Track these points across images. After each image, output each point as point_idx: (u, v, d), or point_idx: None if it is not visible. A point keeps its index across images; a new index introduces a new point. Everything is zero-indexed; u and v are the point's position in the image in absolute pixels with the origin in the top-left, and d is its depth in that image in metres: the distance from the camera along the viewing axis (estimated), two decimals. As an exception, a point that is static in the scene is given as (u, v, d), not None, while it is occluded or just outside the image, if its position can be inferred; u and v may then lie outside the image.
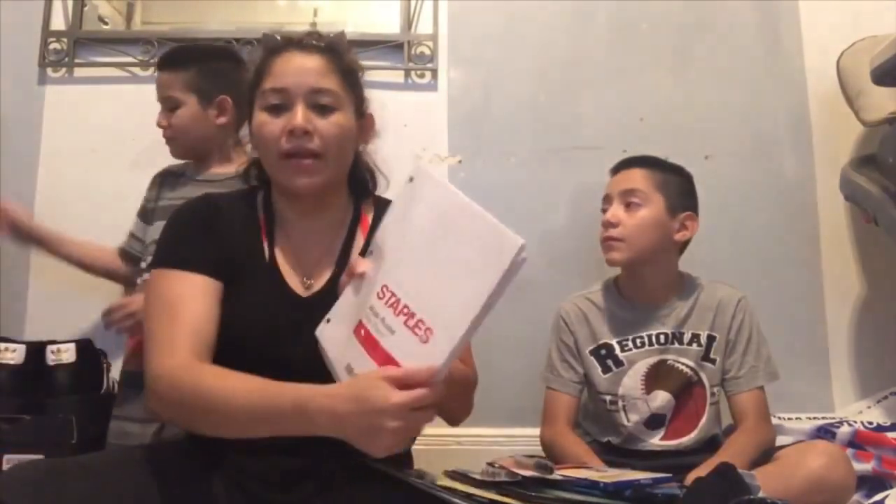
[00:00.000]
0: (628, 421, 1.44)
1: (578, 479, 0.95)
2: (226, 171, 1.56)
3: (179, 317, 0.99)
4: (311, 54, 1.09)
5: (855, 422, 1.55)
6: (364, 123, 1.17)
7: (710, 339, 1.44)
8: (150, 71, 1.85)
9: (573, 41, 1.92)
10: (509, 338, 1.71)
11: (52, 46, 1.87)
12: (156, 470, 0.99)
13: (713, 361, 1.44)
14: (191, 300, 1.00)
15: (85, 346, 1.48)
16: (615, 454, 1.43)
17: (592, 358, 1.47)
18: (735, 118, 1.89)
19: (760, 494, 0.99)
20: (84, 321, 1.74)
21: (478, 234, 0.85)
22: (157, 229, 1.56)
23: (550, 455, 1.41)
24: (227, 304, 1.04)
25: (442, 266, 0.83)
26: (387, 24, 1.91)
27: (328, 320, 0.97)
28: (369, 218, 1.16)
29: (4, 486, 0.85)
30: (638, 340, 1.45)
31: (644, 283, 1.47)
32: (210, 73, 1.58)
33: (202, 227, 1.08)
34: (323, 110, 1.07)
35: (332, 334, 0.95)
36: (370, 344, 0.86)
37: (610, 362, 1.46)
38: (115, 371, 1.57)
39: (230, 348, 1.03)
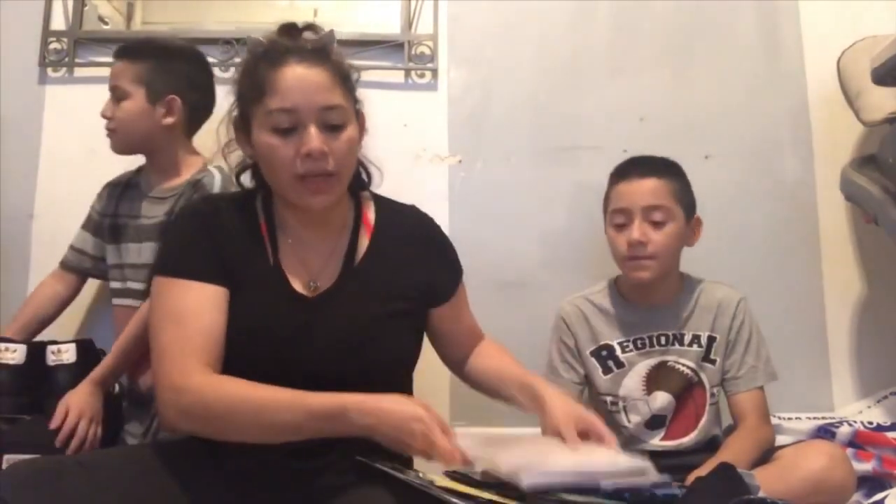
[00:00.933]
0: (629, 422, 1.44)
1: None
2: (179, 183, 1.52)
3: (191, 329, 0.99)
4: (314, 66, 1.04)
5: (855, 422, 1.55)
6: (363, 125, 1.16)
7: (711, 339, 1.44)
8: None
9: (573, 41, 1.92)
10: (509, 337, 1.69)
11: (52, 46, 1.87)
12: (156, 469, 0.99)
13: (713, 362, 1.44)
14: (201, 311, 1.01)
15: (86, 347, 1.48)
16: (614, 454, 1.43)
17: (593, 359, 1.47)
18: (735, 118, 1.89)
19: (760, 494, 0.99)
20: (85, 320, 1.74)
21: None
22: (130, 251, 1.54)
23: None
24: (233, 309, 1.04)
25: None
26: (387, 24, 1.90)
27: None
28: (371, 217, 1.17)
29: (4, 484, 0.85)
30: (639, 342, 1.45)
31: (648, 287, 1.46)
32: (165, 70, 1.53)
33: (205, 233, 1.07)
34: (334, 129, 1.04)
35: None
36: None
37: (611, 363, 1.46)
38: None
39: (240, 353, 1.03)
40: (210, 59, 1.86)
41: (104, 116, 1.53)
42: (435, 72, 1.89)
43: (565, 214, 1.85)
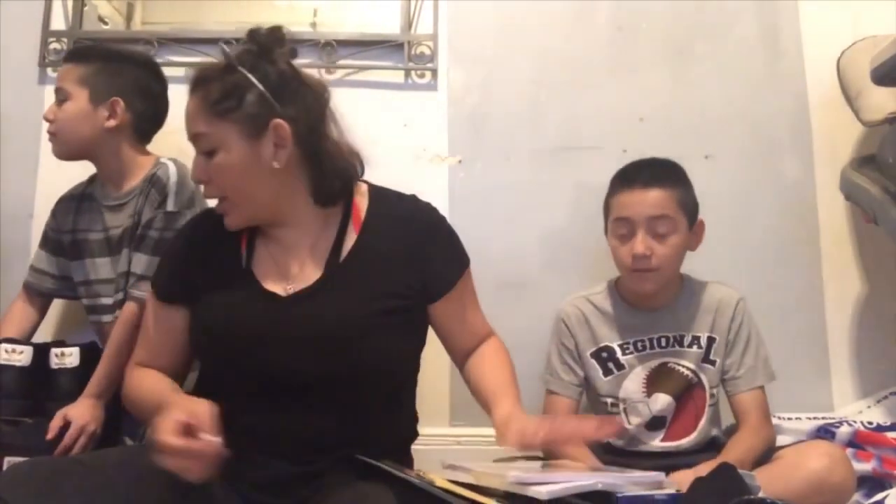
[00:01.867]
0: (629, 423, 1.44)
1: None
2: (133, 184, 1.49)
3: (143, 338, 1.18)
4: (191, 96, 1.07)
5: (855, 422, 1.55)
6: (278, 137, 1.06)
7: (710, 340, 1.44)
8: (150, 71, 1.85)
9: (573, 41, 1.92)
10: (508, 338, 1.69)
11: (52, 46, 1.87)
12: (155, 470, 0.99)
13: (713, 363, 1.44)
14: (151, 326, 1.16)
15: (89, 350, 1.47)
16: (614, 454, 1.43)
17: (593, 360, 1.47)
18: (735, 118, 1.89)
19: (760, 495, 0.99)
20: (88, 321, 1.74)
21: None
22: (98, 266, 1.52)
23: (547, 454, 1.42)
24: (204, 312, 1.09)
25: None
26: (387, 24, 1.90)
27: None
28: (362, 210, 1.14)
29: (5, 484, 0.85)
30: (639, 344, 1.45)
31: (649, 293, 1.45)
32: (111, 72, 1.49)
33: (179, 252, 1.17)
34: (208, 155, 1.05)
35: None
36: None
37: (611, 365, 1.46)
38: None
39: (218, 353, 1.08)
40: (210, 60, 1.86)
41: (46, 119, 1.49)
42: (435, 72, 1.89)
43: (565, 214, 1.85)
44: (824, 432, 1.52)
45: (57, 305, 1.71)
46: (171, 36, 1.87)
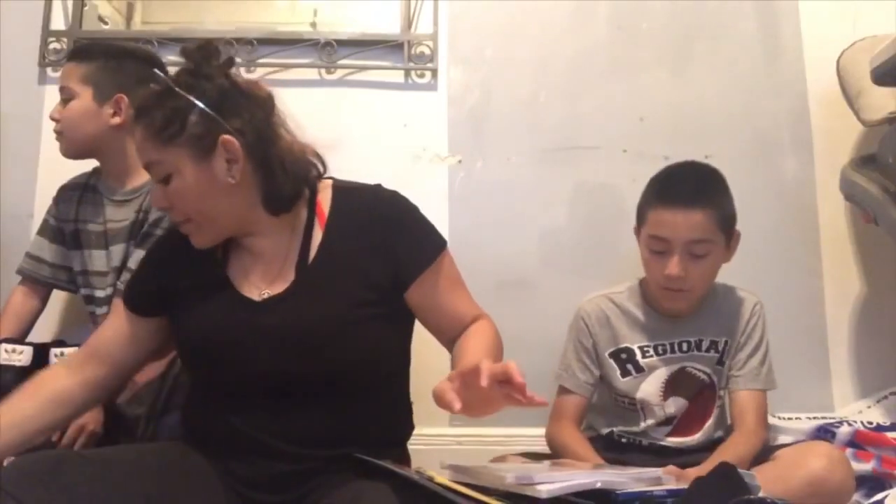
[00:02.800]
0: (644, 422, 1.44)
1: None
2: (141, 182, 1.49)
3: (94, 337, 1.19)
4: (137, 128, 1.05)
5: (855, 422, 1.55)
6: (228, 152, 1.04)
7: (726, 344, 1.44)
8: (150, 71, 1.85)
9: (573, 41, 1.92)
10: (508, 338, 1.69)
11: (52, 46, 1.87)
12: (157, 466, 1.00)
13: (724, 364, 1.44)
14: (109, 328, 1.17)
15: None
16: (616, 450, 1.43)
17: (612, 360, 1.46)
18: (735, 118, 1.89)
19: (760, 494, 0.99)
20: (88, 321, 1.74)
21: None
22: (94, 258, 1.52)
23: (553, 450, 1.42)
24: (183, 319, 1.10)
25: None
26: (387, 24, 1.90)
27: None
28: (326, 208, 1.12)
29: (8, 476, 0.86)
30: (660, 348, 1.44)
31: (683, 310, 1.44)
32: (114, 69, 1.48)
33: (154, 261, 1.19)
34: (164, 182, 1.05)
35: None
36: None
37: (630, 367, 1.45)
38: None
39: (197, 358, 1.11)
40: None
41: (52, 119, 1.49)
42: (435, 72, 1.89)
43: (565, 214, 1.85)
44: (824, 432, 1.52)
45: (57, 305, 1.71)
46: (171, 36, 1.87)
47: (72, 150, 1.51)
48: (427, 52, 1.88)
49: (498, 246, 1.82)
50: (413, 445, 1.20)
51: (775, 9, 1.92)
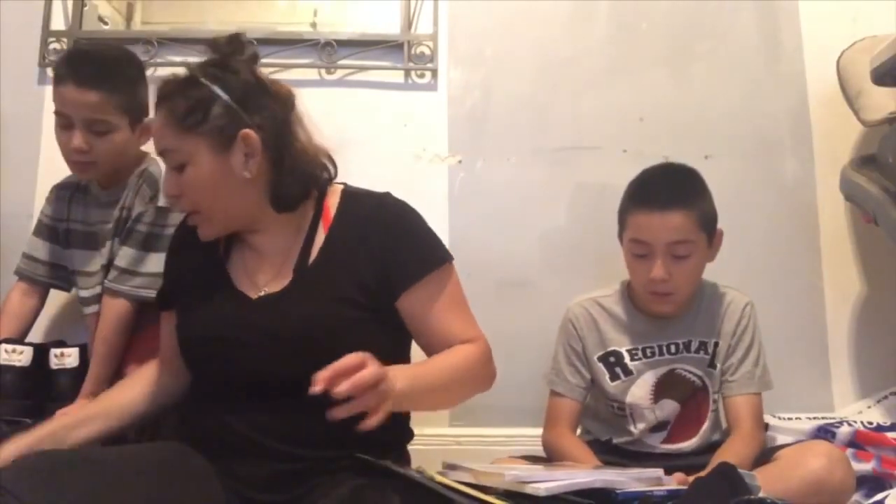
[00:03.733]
0: (635, 428, 1.43)
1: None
2: (124, 182, 1.47)
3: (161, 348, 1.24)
4: (157, 113, 1.06)
5: (855, 422, 1.55)
6: (247, 147, 1.05)
7: (716, 345, 1.44)
8: (151, 71, 1.84)
9: (573, 41, 1.92)
10: (508, 338, 1.71)
11: (52, 46, 1.87)
12: (158, 466, 1.00)
13: (716, 367, 1.44)
14: (166, 334, 1.21)
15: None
16: (616, 454, 1.43)
17: (601, 364, 1.46)
18: (735, 118, 1.89)
19: (760, 494, 0.99)
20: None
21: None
22: (75, 257, 1.53)
23: (551, 456, 1.42)
24: (183, 315, 1.12)
25: None
26: (387, 24, 1.90)
27: None
28: (332, 211, 1.13)
29: (9, 475, 0.85)
30: (648, 350, 1.44)
31: (670, 312, 1.44)
32: (139, 91, 1.45)
33: (171, 253, 1.23)
34: (179, 170, 1.06)
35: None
36: None
37: (618, 370, 1.45)
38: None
39: (193, 355, 1.12)
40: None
41: (80, 150, 1.38)
42: (435, 72, 1.89)
43: (565, 214, 1.85)
44: (824, 432, 1.52)
45: (56, 304, 1.71)
46: (171, 36, 1.87)
47: (97, 176, 1.48)
48: (427, 52, 1.88)
49: (498, 246, 1.82)
50: (413, 445, 1.20)
51: (775, 9, 1.93)
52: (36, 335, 1.61)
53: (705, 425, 1.43)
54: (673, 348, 1.44)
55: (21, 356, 1.42)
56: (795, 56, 1.91)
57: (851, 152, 1.84)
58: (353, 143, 1.80)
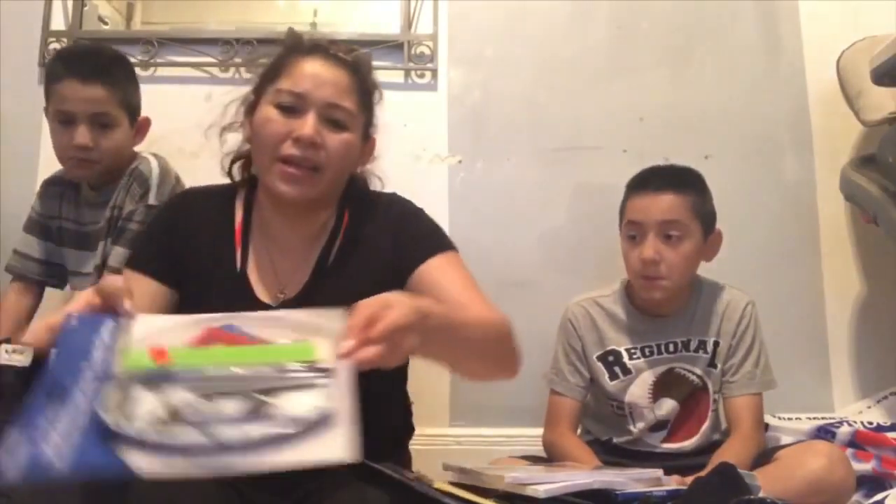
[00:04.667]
0: (634, 427, 1.44)
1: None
2: (114, 182, 1.43)
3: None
4: (336, 67, 1.08)
5: (855, 422, 1.55)
6: (367, 146, 1.16)
7: (716, 345, 1.44)
8: (151, 71, 1.85)
9: (573, 41, 1.92)
10: (509, 338, 1.71)
11: (52, 46, 1.87)
12: None
13: (716, 367, 1.44)
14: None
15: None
16: (616, 454, 1.43)
17: (600, 364, 1.46)
18: (735, 118, 1.89)
19: (760, 494, 0.99)
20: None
21: None
22: (68, 256, 1.52)
23: (551, 456, 1.42)
24: (191, 306, 1.05)
25: None
26: (387, 24, 1.91)
27: None
28: (347, 213, 1.15)
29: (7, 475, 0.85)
30: (647, 349, 1.44)
31: (660, 300, 1.44)
32: (135, 87, 1.45)
33: (168, 231, 1.12)
34: (334, 126, 1.06)
35: None
36: None
37: (617, 369, 1.45)
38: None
39: None
40: (210, 59, 1.86)
41: (83, 147, 1.37)
42: (435, 72, 1.89)
43: (565, 214, 1.85)
44: (824, 432, 1.52)
45: (56, 305, 1.71)
46: (171, 36, 1.87)
47: (95, 176, 1.44)
48: (427, 52, 1.88)
49: (498, 246, 1.82)
50: (413, 445, 1.20)
51: (775, 9, 1.93)
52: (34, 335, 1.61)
53: (706, 425, 1.43)
54: (672, 347, 1.44)
55: (22, 356, 1.41)
56: (795, 56, 1.91)
57: (851, 152, 1.84)
58: (353, 143, 1.80)
